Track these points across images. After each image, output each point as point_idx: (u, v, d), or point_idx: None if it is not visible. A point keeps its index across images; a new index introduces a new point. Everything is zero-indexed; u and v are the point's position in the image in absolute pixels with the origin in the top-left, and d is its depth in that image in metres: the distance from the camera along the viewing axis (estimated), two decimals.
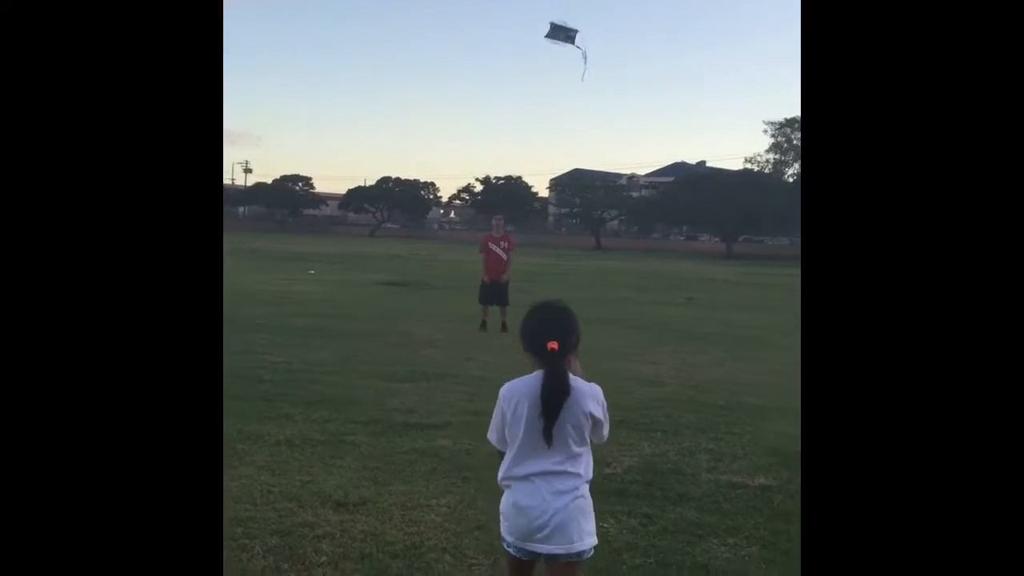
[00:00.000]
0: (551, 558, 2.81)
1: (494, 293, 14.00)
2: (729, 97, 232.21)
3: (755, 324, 16.89)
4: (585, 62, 13.76)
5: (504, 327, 13.56)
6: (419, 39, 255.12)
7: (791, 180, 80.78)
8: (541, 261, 44.48)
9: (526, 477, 2.81)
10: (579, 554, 2.81)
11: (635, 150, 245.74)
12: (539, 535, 2.78)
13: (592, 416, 2.84)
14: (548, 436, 2.77)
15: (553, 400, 2.74)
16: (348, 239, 77.34)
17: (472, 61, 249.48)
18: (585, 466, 2.86)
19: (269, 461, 5.80)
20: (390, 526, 4.62)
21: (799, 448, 6.54)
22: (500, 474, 2.91)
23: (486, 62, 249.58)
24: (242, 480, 5.32)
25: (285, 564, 4.06)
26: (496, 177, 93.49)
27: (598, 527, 4.57)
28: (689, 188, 77.31)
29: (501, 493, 5.26)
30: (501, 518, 2.90)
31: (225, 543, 4.27)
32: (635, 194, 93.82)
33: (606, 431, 2.94)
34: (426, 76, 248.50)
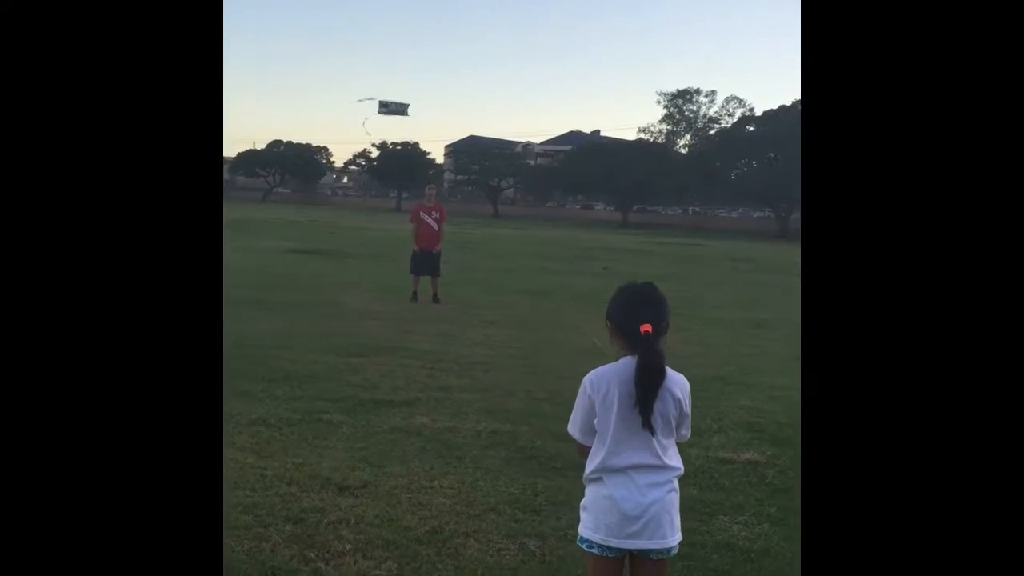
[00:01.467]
0: (642, 554, 2.72)
1: (426, 263, 13.82)
2: (622, 68, 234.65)
3: (674, 295, 17.20)
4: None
5: (436, 298, 13.44)
6: (303, 6, 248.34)
7: (684, 151, 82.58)
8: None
9: (623, 470, 2.69)
10: (670, 550, 2.75)
11: (530, 119, 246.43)
12: (632, 530, 2.68)
13: (681, 405, 2.77)
14: (648, 423, 2.68)
15: (651, 385, 2.65)
16: (240, 204, 74.97)
17: (366, 28, 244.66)
18: (677, 457, 2.80)
19: (250, 442, 5.59)
20: (402, 511, 4.51)
21: (773, 423, 6.72)
22: (591, 467, 2.76)
23: (380, 29, 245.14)
24: (230, 463, 5.09)
25: (311, 553, 3.92)
26: (393, 143, 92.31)
27: None
28: (585, 157, 78.08)
29: (497, 475, 5.26)
30: (584, 514, 2.77)
31: (237, 531, 4.11)
32: (531, 162, 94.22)
33: (688, 427, 2.84)
34: (320, 39, 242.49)
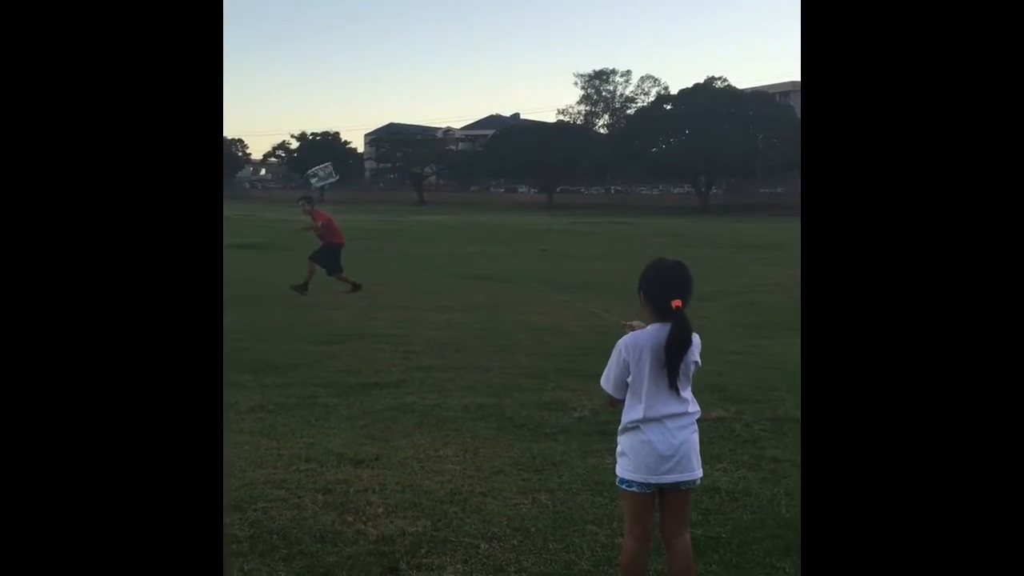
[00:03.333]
0: (673, 487, 3.20)
1: (329, 254, 13.90)
2: (539, 50, 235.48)
3: (614, 271, 17.82)
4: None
5: (303, 287, 13.39)
6: None
7: (603, 131, 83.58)
8: (369, 218, 44.29)
9: (658, 419, 3.16)
10: (695, 481, 3.24)
11: (450, 104, 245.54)
12: (666, 467, 3.16)
13: (696, 363, 3.26)
14: (674, 382, 3.16)
15: (680, 352, 3.13)
16: None
17: (277, 15, 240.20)
18: (695, 403, 3.28)
19: (257, 427, 5.92)
20: (419, 477, 4.93)
21: (732, 384, 7.30)
22: (629, 418, 3.22)
23: (292, 15, 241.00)
24: (245, 446, 5.44)
25: (348, 517, 4.30)
26: (312, 133, 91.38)
27: (597, 465, 5.13)
28: (506, 140, 78.57)
29: (495, 443, 5.70)
30: (623, 459, 3.24)
31: (275, 503, 4.48)
32: (453, 148, 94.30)
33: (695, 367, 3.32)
34: (226, 28, 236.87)
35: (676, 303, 3.12)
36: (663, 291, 3.19)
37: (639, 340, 3.22)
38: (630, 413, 3.23)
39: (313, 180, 16.13)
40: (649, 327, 3.23)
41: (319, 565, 3.73)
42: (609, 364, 3.28)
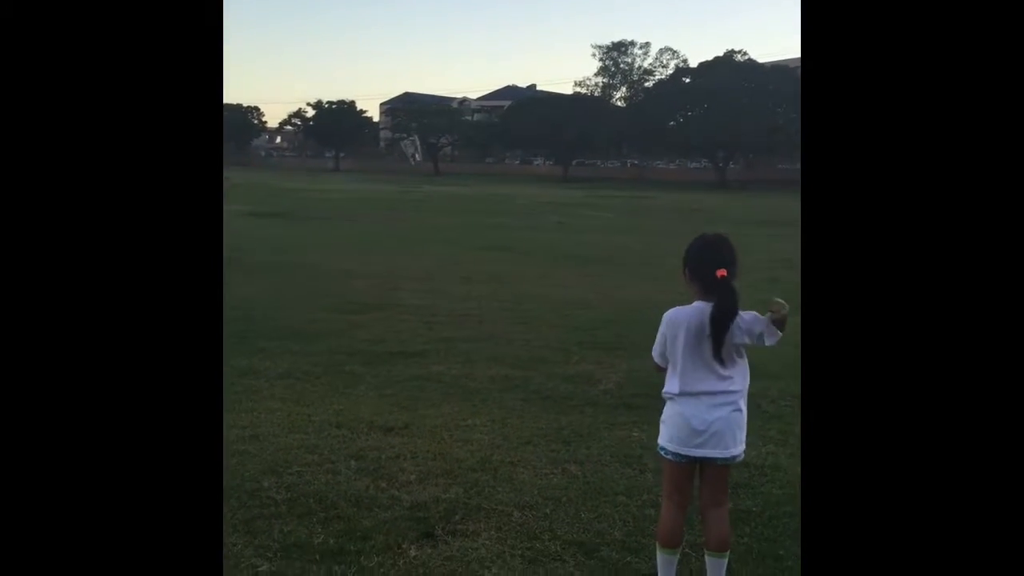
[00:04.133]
0: (708, 461, 3.23)
1: None
2: (557, 20, 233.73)
3: (630, 246, 17.83)
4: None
5: None
6: None
7: (620, 103, 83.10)
8: (387, 188, 44.36)
9: (695, 394, 3.17)
10: (732, 458, 3.25)
11: (466, 74, 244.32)
12: (698, 441, 3.18)
13: (751, 332, 3.15)
14: (718, 355, 3.13)
15: (725, 322, 3.10)
16: None
17: None
18: (742, 379, 3.24)
19: (287, 393, 6.00)
20: (449, 446, 4.99)
21: (760, 360, 7.29)
22: (668, 389, 3.25)
23: None
24: (277, 412, 5.52)
25: (382, 483, 4.37)
26: (328, 102, 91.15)
27: (624, 438, 5.18)
28: (524, 112, 78.20)
29: (521, 414, 5.75)
30: (662, 427, 3.29)
31: (310, 467, 4.55)
32: (469, 118, 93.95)
33: (771, 334, 3.15)
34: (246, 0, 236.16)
35: (721, 272, 3.09)
36: (707, 263, 3.15)
37: (678, 317, 3.22)
38: (669, 384, 3.26)
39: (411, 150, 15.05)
40: (693, 304, 3.22)
41: (356, 528, 3.80)
42: (658, 335, 3.30)
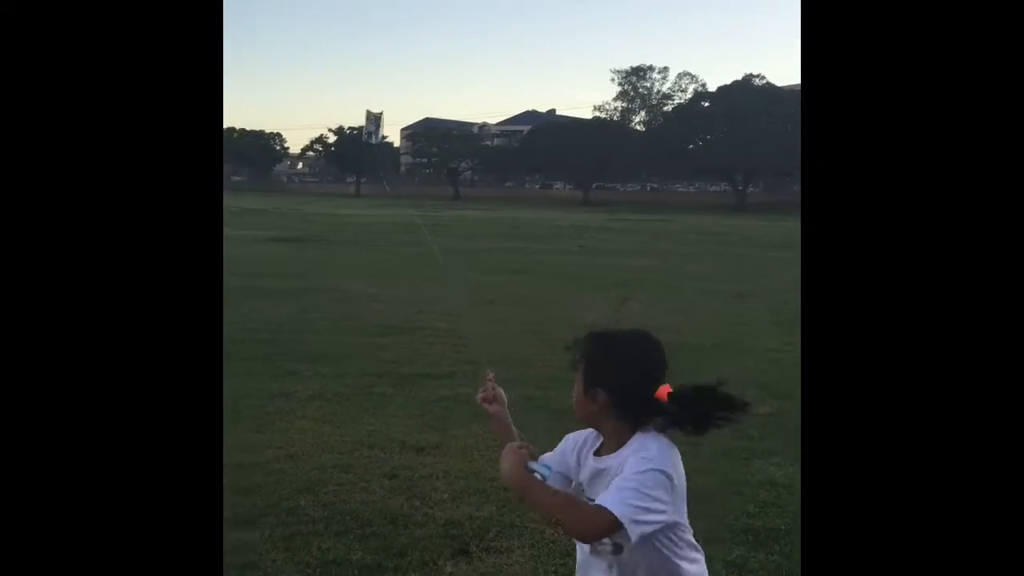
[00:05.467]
0: None
1: None
2: (576, 46, 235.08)
3: (655, 269, 17.89)
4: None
5: None
6: None
7: (639, 128, 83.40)
8: (406, 212, 44.59)
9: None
10: None
11: (485, 99, 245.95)
12: None
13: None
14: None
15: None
16: None
17: (310, 11, 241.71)
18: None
19: (319, 414, 6.10)
20: (480, 465, 5.07)
21: (776, 380, 7.37)
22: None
23: (328, 11, 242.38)
24: (309, 432, 5.62)
25: (416, 501, 4.46)
26: (350, 127, 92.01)
27: None
28: (543, 136, 78.72)
29: (549, 433, 5.82)
30: None
31: (346, 486, 4.64)
32: (488, 143, 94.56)
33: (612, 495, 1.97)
34: (263, 24, 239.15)
35: (665, 390, 2.04)
36: (648, 377, 2.07)
37: (678, 461, 2.07)
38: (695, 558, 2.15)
39: (366, 137, 15.21)
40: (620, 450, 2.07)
41: (392, 545, 3.89)
42: (648, 482, 1.98)
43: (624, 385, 2.07)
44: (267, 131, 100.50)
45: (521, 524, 4.17)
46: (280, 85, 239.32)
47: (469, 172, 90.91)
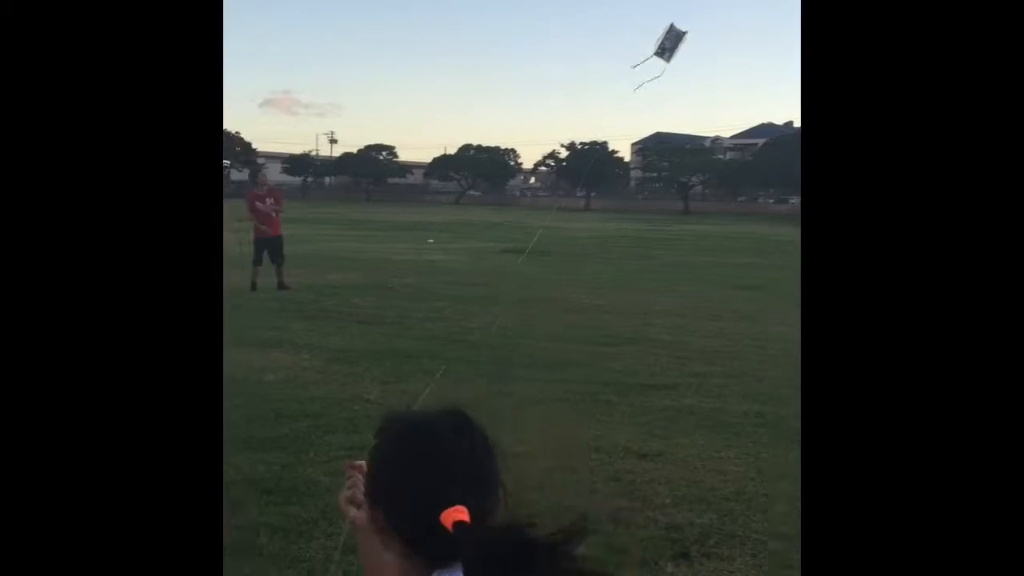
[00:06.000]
0: None
1: (267, 250, 13.92)
2: None
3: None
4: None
5: (281, 285, 13.65)
6: (500, 11, 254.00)
7: None
8: (637, 226, 44.75)
9: None
10: None
11: (719, 112, 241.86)
12: None
13: None
14: None
15: None
16: (437, 207, 78.51)
17: (546, 32, 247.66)
18: None
19: (546, 417, 6.36)
20: (702, 474, 5.12)
21: None
22: None
23: (557, 29, 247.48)
24: (535, 434, 5.86)
25: (637, 504, 4.58)
26: (581, 143, 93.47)
27: None
28: (778, 150, 76.22)
29: (774, 449, 5.77)
30: None
31: (572, 486, 4.84)
32: (720, 157, 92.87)
33: None
34: (502, 48, 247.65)
35: (456, 515, 1.27)
36: (414, 491, 1.36)
37: None
38: None
39: (662, 54, 10.82)
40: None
41: (615, 543, 4.04)
42: None
43: (395, 503, 1.38)
44: (502, 147, 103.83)
45: (743, 534, 4.20)
46: (515, 102, 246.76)
47: (700, 186, 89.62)
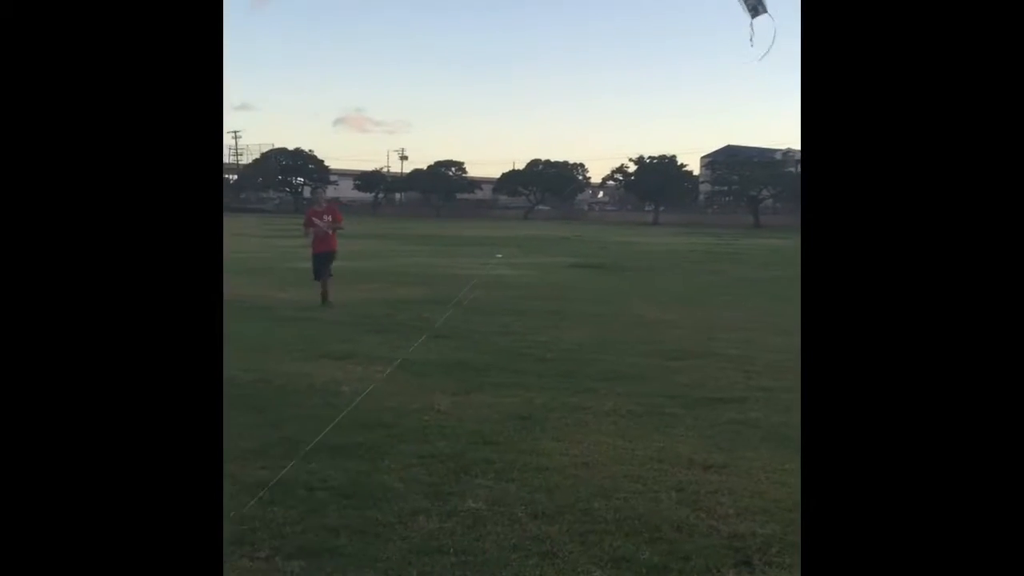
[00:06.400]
0: None
1: (323, 266, 14.23)
2: None
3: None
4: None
5: (324, 299, 13.87)
6: (566, 25, 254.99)
7: None
8: (703, 240, 44.47)
9: None
10: None
11: (790, 125, 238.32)
12: None
13: None
14: None
15: None
16: (506, 222, 79.00)
17: (614, 50, 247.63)
18: None
19: (612, 429, 6.50)
20: (766, 487, 5.20)
21: None
22: None
23: (624, 46, 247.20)
24: (603, 445, 6.03)
25: (701, 513, 4.70)
26: (650, 157, 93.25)
27: None
28: None
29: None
30: None
31: (636, 495, 4.98)
32: (792, 170, 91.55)
33: None
34: (572, 60, 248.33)
35: None
36: None
37: None
38: None
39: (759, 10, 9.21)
40: None
41: (678, 550, 4.17)
42: None
43: None
44: (570, 161, 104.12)
45: None
46: (583, 117, 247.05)
47: (770, 199, 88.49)
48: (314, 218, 14.50)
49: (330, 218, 14.50)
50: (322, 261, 14.20)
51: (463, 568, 3.96)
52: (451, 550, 4.13)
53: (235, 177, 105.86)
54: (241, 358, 8.27)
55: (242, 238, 37.06)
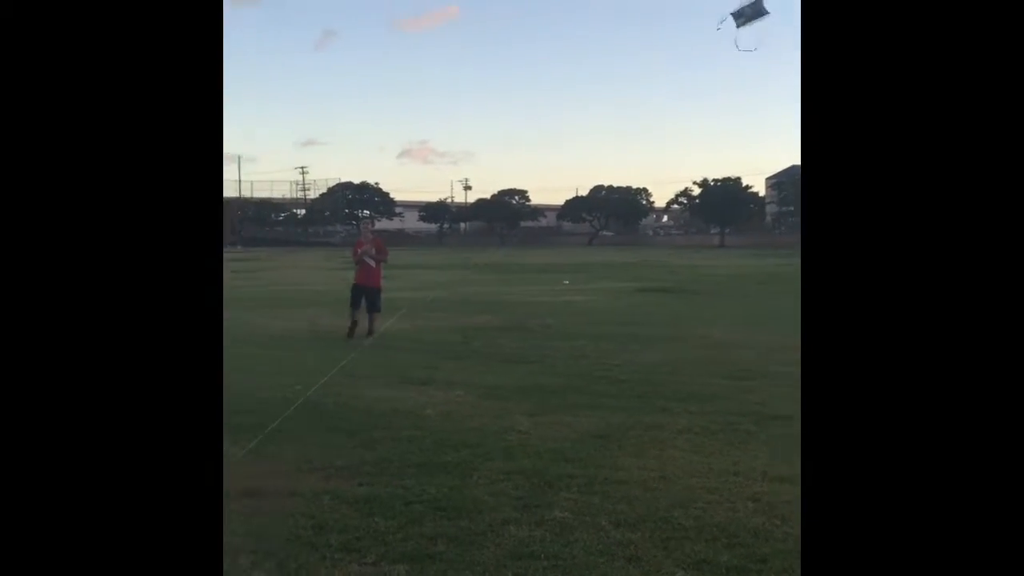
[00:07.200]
0: None
1: (362, 297, 14.29)
2: None
3: None
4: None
5: (370, 331, 13.88)
6: (622, 53, 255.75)
7: None
8: (770, 262, 44.18)
9: None
10: None
11: None
12: None
13: None
14: None
15: None
16: (570, 249, 79.40)
17: (681, 69, 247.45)
18: None
19: (688, 445, 6.77)
20: None
21: None
22: None
23: (700, 64, 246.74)
24: (679, 460, 6.31)
25: (777, 521, 4.96)
26: (714, 179, 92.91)
27: None
28: None
29: None
30: None
31: (713, 505, 5.26)
32: None
33: None
34: (631, 87, 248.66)
35: None
36: None
37: None
38: None
39: (740, 22, 9.57)
40: None
41: (756, 553, 4.44)
42: None
43: None
44: (634, 187, 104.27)
45: None
46: (647, 140, 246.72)
47: None
48: (358, 249, 14.70)
49: (375, 250, 14.63)
50: (359, 293, 14.29)
51: (554, 571, 4.29)
52: (542, 555, 4.46)
53: (303, 211, 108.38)
54: (324, 385, 8.72)
55: (311, 271, 38.08)
